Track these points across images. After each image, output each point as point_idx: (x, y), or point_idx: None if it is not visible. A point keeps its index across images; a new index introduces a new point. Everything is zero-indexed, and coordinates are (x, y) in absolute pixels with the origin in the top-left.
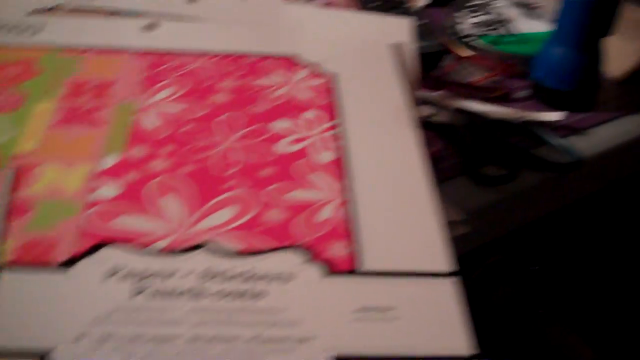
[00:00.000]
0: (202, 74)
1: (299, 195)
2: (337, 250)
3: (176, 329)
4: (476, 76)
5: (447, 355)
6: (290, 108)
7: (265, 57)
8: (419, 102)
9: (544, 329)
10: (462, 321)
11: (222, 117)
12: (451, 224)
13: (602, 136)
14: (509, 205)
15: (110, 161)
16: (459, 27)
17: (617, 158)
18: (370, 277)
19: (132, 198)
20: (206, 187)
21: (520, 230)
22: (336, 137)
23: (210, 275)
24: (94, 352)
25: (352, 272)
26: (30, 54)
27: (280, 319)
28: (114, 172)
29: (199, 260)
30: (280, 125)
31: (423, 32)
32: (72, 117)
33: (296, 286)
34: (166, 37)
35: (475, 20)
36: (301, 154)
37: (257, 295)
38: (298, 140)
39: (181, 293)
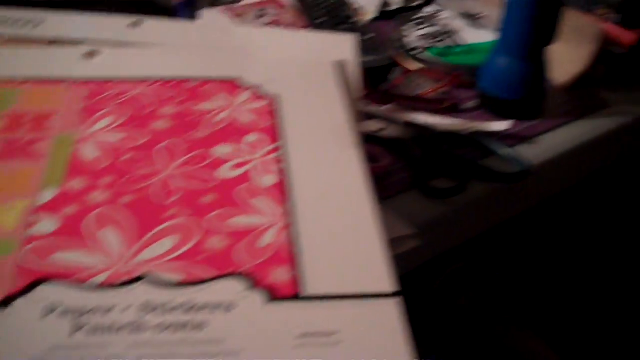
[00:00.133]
0: (143, 100)
1: (241, 221)
2: (279, 275)
3: None
4: (425, 88)
5: None
6: (232, 132)
7: (207, 82)
8: (367, 117)
9: (508, 334)
10: (405, 341)
11: (163, 144)
12: (402, 239)
13: (550, 143)
14: (460, 217)
15: (48, 195)
16: (406, 40)
17: (566, 164)
18: (313, 302)
19: (71, 232)
20: (146, 218)
21: (478, 238)
22: (278, 160)
23: (150, 308)
24: None
25: (295, 297)
26: None
27: (222, 349)
28: (52, 207)
29: (138, 293)
30: (221, 150)
31: (371, 47)
32: (9, 151)
33: (238, 315)
34: (106, 65)
35: (421, 32)
36: (243, 178)
37: (198, 326)
38: (240, 165)
39: (121, 327)
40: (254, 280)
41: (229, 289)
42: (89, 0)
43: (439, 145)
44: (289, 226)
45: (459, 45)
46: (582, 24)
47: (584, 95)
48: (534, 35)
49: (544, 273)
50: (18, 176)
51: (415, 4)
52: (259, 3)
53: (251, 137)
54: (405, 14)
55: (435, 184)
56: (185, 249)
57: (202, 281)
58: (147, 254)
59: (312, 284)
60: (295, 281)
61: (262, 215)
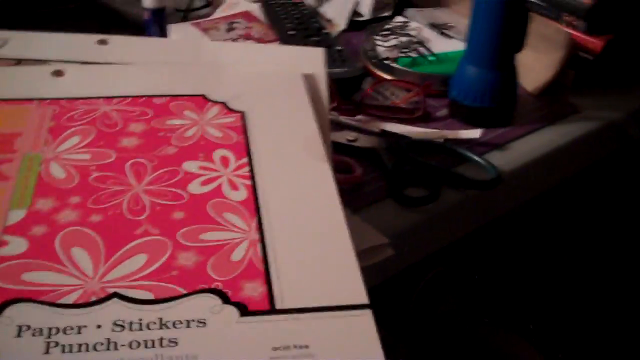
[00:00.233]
0: (111, 118)
1: (212, 236)
2: (252, 290)
3: None
4: (396, 98)
5: None
6: (201, 148)
7: (175, 98)
8: (340, 127)
9: (492, 338)
10: (378, 352)
11: (132, 161)
12: (377, 248)
13: (522, 150)
14: (435, 224)
15: (17, 216)
16: (377, 50)
17: (538, 170)
18: (286, 315)
19: (40, 252)
20: (116, 235)
21: (453, 245)
22: (248, 175)
23: (122, 325)
24: None
25: (268, 311)
26: None
27: None
28: (20, 228)
29: (110, 312)
30: (191, 166)
31: (341, 58)
32: None
33: (211, 330)
34: (74, 83)
35: (392, 43)
36: (213, 193)
37: (171, 343)
38: (210, 180)
39: (94, 345)
40: (226, 295)
41: (202, 305)
42: (58, 16)
43: (412, 154)
44: (260, 240)
45: (428, 55)
46: (550, 31)
47: (553, 101)
48: (502, 44)
49: (523, 276)
50: None
51: (384, 15)
52: (228, 16)
53: (221, 152)
54: (374, 25)
55: (409, 193)
56: (156, 266)
57: (174, 298)
58: (118, 272)
59: (285, 298)
60: (268, 295)
61: (233, 230)
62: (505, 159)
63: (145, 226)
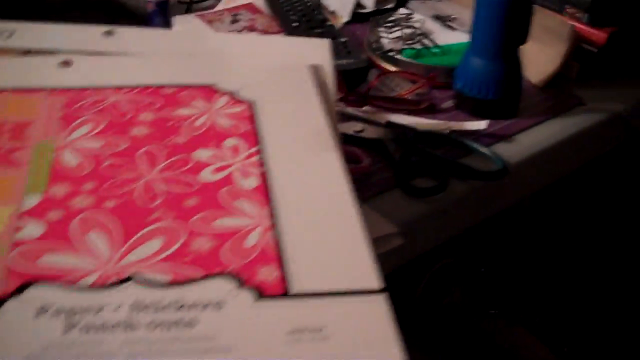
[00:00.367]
0: (121, 108)
1: (226, 222)
2: (266, 274)
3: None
4: (401, 90)
5: None
6: (211, 137)
7: (183, 88)
8: (346, 119)
9: (498, 330)
10: (393, 336)
11: (143, 150)
12: (385, 237)
13: (527, 142)
14: (442, 215)
15: (32, 201)
16: (381, 42)
17: (543, 162)
18: (300, 299)
19: (57, 236)
20: (131, 221)
21: (460, 236)
22: (259, 163)
23: (140, 307)
24: None
25: (282, 295)
26: None
27: (213, 346)
28: (37, 212)
29: (128, 293)
30: (202, 154)
31: (346, 49)
32: None
33: (228, 313)
34: (83, 73)
35: (396, 34)
36: (225, 181)
37: (188, 325)
38: (221, 169)
39: (113, 326)
40: (241, 280)
41: (218, 288)
42: (64, 7)
43: (418, 145)
44: (273, 226)
45: (433, 47)
46: (553, 24)
47: (558, 93)
48: (506, 35)
49: (529, 269)
50: (1, 183)
51: (387, 6)
52: (233, 8)
53: (231, 142)
54: (378, 16)
55: (417, 183)
56: (172, 250)
57: (191, 281)
58: (135, 255)
59: (299, 282)
60: (282, 279)
61: (246, 216)
62: (511, 151)
63: (159, 212)
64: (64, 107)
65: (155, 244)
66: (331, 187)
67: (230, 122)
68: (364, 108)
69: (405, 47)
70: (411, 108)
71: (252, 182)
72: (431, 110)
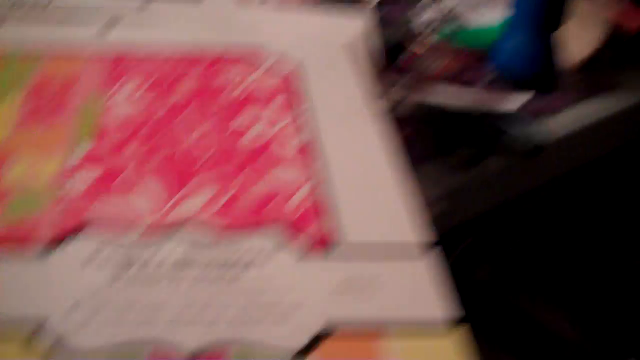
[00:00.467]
0: (165, 69)
1: (274, 178)
2: (315, 229)
3: (167, 302)
4: (436, 67)
5: (432, 322)
6: (255, 98)
7: (224, 53)
8: (381, 94)
9: (527, 307)
10: (443, 291)
11: (188, 109)
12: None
13: (565, 120)
14: (477, 189)
15: (81, 152)
16: (416, 20)
17: (578, 143)
18: (349, 252)
19: (107, 186)
20: (179, 175)
21: (494, 210)
22: (303, 125)
23: (189, 258)
24: (87, 322)
25: (331, 248)
26: None
27: (267, 291)
28: (86, 162)
29: (177, 245)
30: (245, 118)
31: (381, 26)
32: (38, 112)
33: (278, 263)
34: (124, 37)
35: (431, 13)
36: (270, 141)
37: (238, 277)
38: (264, 133)
39: (163, 275)
40: (291, 233)
41: (267, 242)
42: None
43: (456, 119)
44: (322, 183)
45: (468, 25)
46: (593, 5)
47: (596, 74)
48: (547, 12)
49: (561, 248)
50: (49, 135)
51: None
52: None
53: (276, 103)
54: None
55: (454, 156)
56: (222, 202)
57: (241, 233)
58: (182, 208)
59: (348, 237)
60: (331, 234)
61: (292, 175)
62: (547, 129)
63: (208, 165)
64: (106, 68)
65: (205, 196)
66: (378, 150)
67: (274, 85)
68: (399, 83)
69: (441, 25)
70: (448, 84)
71: (298, 142)
72: (467, 86)
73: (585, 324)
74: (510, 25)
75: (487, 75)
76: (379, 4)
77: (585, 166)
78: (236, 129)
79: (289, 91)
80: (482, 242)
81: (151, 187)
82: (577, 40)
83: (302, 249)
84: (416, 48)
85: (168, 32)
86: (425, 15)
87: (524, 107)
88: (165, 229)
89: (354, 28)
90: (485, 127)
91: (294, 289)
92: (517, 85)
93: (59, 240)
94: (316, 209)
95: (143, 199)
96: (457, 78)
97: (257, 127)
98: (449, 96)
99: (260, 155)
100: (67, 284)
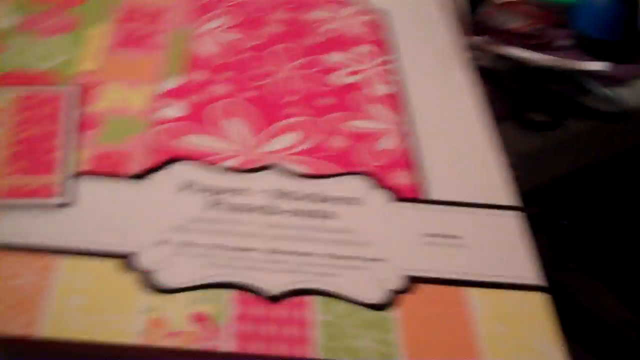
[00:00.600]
0: (255, 4)
1: (360, 124)
2: (401, 178)
3: (252, 242)
4: (517, 23)
5: (516, 283)
6: (342, 41)
7: None
8: (466, 46)
9: (576, 283)
10: (528, 253)
11: (277, 47)
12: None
13: None
14: (554, 152)
15: (171, 83)
16: None
17: None
18: (435, 205)
19: (197, 119)
20: (268, 112)
21: (560, 180)
22: (391, 71)
23: (279, 194)
24: (175, 257)
25: (417, 199)
26: None
27: (352, 239)
28: (176, 94)
29: (267, 180)
30: (333, 57)
31: None
32: (129, 40)
33: (364, 209)
34: None
35: None
36: (357, 85)
37: (326, 216)
38: (354, 72)
39: (254, 209)
40: (376, 180)
41: (354, 186)
42: None
43: (535, 79)
44: (408, 133)
45: None
46: None
47: None
48: None
49: (621, 225)
50: (140, 63)
51: None
52: None
53: (363, 48)
54: None
55: (532, 117)
56: (307, 145)
57: (328, 175)
58: (272, 145)
59: (434, 190)
60: (417, 185)
61: (380, 120)
62: (629, 95)
63: (294, 107)
64: None
65: (292, 137)
66: (464, 103)
67: (363, 28)
68: (478, 37)
69: None
70: (527, 42)
71: (386, 89)
72: (547, 46)
73: (634, 305)
74: None
75: (568, 37)
76: None
77: None
78: (322, 71)
79: (377, 38)
80: (538, 215)
81: (239, 124)
82: None
83: (388, 198)
84: (501, 1)
85: None
86: None
87: (606, 71)
88: (254, 164)
89: None
90: (568, 84)
91: (379, 237)
92: (597, 50)
93: (151, 168)
94: (402, 161)
95: (231, 135)
96: (538, 35)
97: (343, 71)
98: (528, 52)
99: (344, 100)
100: (159, 211)
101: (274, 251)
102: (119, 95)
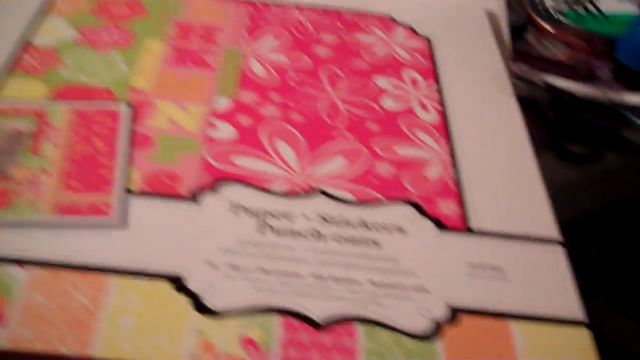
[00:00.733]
0: (304, 26)
1: (407, 151)
2: (447, 208)
3: (300, 267)
4: (559, 52)
5: (559, 317)
6: (391, 66)
7: (363, 14)
8: (509, 74)
9: (599, 313)
10: (572, 288)
11: (326, 68)
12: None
13: None
14: (591, 184)
15: (223, 103)
16: (543, 1)
17: None
18: (480, 236)
19: (247, 140)
20: (316, 135)
21: (595, 213)
22: (438, 100)
23: (326, 220)
24: (224, 279)
25: (462, 229)
26: None
27: (396, 267)
28: (228, 115)
29: (315, 205)
30: (382, 81)
31: (508, 5)
32: (182, 57)
33: (409, 239)
34: None
35: None
36: (405, 111)
37: (372, 244)
38: (400, 98)
39: (302, 234)
40: (422, 209)
41: (400, 214)
42: None
43: (575, 110)
44: (454, 163)
45: (598, 12)
46: None
47: None
48: None
49: None
50: (193, 82)
51: None
52: None
53: (410, 73)
54: None
55: (570, 148)
56: (355, 170)
57: (374, 203)
58: (320, 170)
59: (479, 220)
60: (462, 215)
61: (426, 148)
62: None
63: (342, 131)
64: (251, 17)
65: (339, 162)
66: (509, 133)
67: (409, 55)
68: (519, 65)
69: (569, 9)
70: (568, 72)
71: (431, 117)
72: (588, 77)
73: None
74: (637, 21)
75: (610, 68)
76: None
77: None
78: (369, 95)
79: (423, 64)
80: (579, 243)
81: (288, 148)
82: None
83: (433, 227)
84: (542, 28)
85: None
86: None
87: None
88: (302, 189)
89: (487, 4)
90: (608, 116)
91: (423, 267)
92: (638, 83)
93: (204, 188)
94: (447, 190)
95: (280, 159)
96: (579, 65)
97: (389, 96)
98: (570, 83)
99: (391, 126)
100: (210, 233)
101: (320, 277)
102: (171, 113)
